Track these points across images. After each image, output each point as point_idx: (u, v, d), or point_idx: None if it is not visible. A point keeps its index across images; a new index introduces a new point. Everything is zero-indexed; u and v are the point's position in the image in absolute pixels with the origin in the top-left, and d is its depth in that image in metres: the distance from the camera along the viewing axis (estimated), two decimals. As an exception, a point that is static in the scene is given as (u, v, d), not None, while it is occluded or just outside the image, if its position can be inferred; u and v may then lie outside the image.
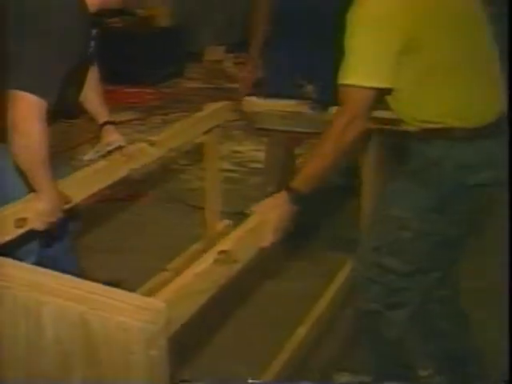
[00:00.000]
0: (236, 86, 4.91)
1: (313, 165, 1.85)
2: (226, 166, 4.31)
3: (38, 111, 1.82)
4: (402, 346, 2.11)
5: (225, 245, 1.56)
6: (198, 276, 1.42)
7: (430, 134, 1.86)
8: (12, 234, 1.80)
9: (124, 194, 3.86)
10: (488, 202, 2.00)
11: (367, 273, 2.01)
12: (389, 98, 1.91)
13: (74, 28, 1.90)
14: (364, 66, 1.77)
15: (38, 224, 1.92)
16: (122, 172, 2.26)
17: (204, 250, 2.81)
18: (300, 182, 1.84)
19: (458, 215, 1.91)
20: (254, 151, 4.55)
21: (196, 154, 3.98)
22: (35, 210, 1.89)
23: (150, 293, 2.39)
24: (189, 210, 3.67)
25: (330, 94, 3.30)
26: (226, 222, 3.03)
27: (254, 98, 3.01)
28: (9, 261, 1.43)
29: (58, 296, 1.26)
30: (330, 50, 3.31)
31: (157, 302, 1.25)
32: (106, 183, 2.18)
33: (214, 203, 2.95)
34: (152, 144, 2.40)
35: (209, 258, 1.50)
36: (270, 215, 1.78)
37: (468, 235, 2.04)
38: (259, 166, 4.27)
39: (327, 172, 1.86)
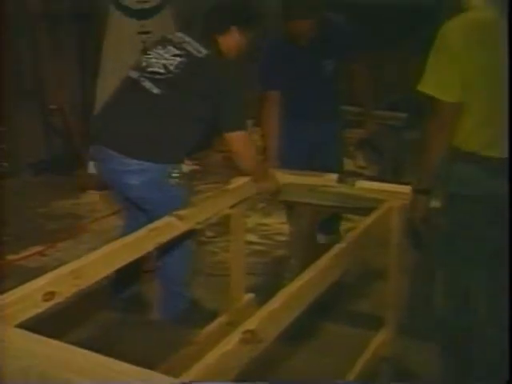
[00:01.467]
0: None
1: (426, 160, 2.38)
2: (252, 238, 4.33)
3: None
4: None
5: (250, 324, 1.56)
6: (223, 356, 1.42)
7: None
8: (40, 307, 1.82)
9: (151, 265, 3.87)
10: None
11: None
12: None
13: None
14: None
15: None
16: (148, 246, 2.28)
17: (228, 324, 2.84)
18: (426, 182, 2.42)
19: (456, 224, 2.39)
20: (280, 224, 4.56)
21: (222, 226, 4.01)
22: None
23: (176, 367, 2.39)
24: (214, 281, 3.67)
25: (336, 164, 3.55)
26: (251, 295, 3.03)
27: (280, 171, 3.07)
28: (38, 337, 1.44)
29: (86, 376, 1.26)
30: (335, 123, 3.76)
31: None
32: (132, 258, 2.19)
33: (239, 276, 2.96)
34: (180, 218, 2.44)
35: (234, 337, 1.50)
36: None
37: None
38: (285, 238, 4.29)
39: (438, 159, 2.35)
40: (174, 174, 2.97)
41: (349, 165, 4.25)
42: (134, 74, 2.96)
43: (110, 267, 2.10)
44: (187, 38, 2.97)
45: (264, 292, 2.80)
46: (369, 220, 2.43)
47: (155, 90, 2.88)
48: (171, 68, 2.88)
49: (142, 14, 6.11)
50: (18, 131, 5.16)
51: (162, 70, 2.89)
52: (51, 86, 5.46)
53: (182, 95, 2.89)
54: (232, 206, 2.80)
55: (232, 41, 3.00)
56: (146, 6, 6.10)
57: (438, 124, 2.32)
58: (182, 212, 2.45)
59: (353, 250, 2.23)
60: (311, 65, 3.61)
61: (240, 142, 2.87)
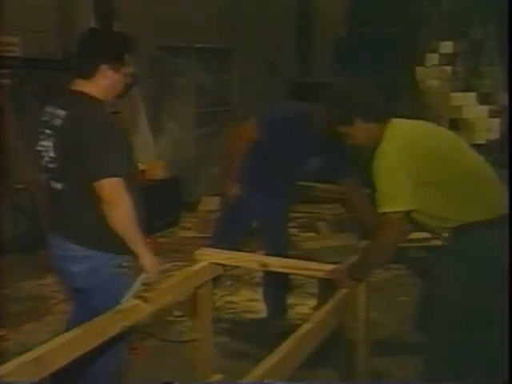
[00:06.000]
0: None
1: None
2: (221, 316, 4.27)
3: None
4: None
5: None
6: None
7: None
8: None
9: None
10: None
11: None
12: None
13: None
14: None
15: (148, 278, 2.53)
16: (113, 330, 2.26)
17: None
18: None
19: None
20: (249, 301, 4.52)
21: (191, 304, 3.96)
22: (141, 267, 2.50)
23: None
24: (182, 362, 3.61)
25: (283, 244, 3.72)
26: (219, 376, 2.99)
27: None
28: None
29: None
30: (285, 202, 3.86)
31: None
32: (97, 343, 2.16)
33: (207, 356, 2.92)
34: (145, 300, 2.42)
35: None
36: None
37: None
38: (254, 316, 4.25)
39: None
40: (118, 265, 2.57)
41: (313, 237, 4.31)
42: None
43: (74, 353, 2.07)
44: (52, 109, 2.58)
45: (232, 373, 2.77)
46: (335, 299, 2.44)
47: (58, 186, 2.55)
48: (54, 156, 2.55)
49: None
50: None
51: (52, 165, 2.55)
52: (18, 165, 5.45)
53: (71, 187, 2.52)
54: (199, 287, 2.79)
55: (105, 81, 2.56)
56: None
57: (391, 236, 2.43)
58: (147, 294, 2.43)
59: (319, 329, 2.23)
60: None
61: (111, 189, 2.39)
